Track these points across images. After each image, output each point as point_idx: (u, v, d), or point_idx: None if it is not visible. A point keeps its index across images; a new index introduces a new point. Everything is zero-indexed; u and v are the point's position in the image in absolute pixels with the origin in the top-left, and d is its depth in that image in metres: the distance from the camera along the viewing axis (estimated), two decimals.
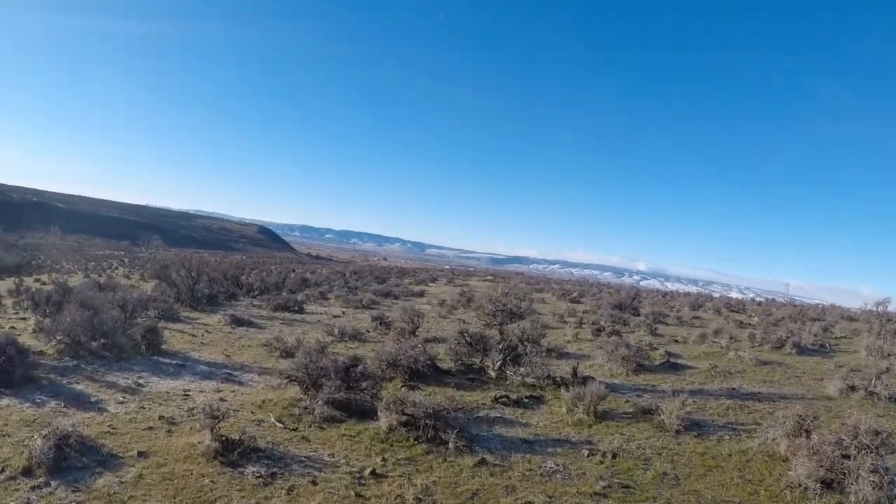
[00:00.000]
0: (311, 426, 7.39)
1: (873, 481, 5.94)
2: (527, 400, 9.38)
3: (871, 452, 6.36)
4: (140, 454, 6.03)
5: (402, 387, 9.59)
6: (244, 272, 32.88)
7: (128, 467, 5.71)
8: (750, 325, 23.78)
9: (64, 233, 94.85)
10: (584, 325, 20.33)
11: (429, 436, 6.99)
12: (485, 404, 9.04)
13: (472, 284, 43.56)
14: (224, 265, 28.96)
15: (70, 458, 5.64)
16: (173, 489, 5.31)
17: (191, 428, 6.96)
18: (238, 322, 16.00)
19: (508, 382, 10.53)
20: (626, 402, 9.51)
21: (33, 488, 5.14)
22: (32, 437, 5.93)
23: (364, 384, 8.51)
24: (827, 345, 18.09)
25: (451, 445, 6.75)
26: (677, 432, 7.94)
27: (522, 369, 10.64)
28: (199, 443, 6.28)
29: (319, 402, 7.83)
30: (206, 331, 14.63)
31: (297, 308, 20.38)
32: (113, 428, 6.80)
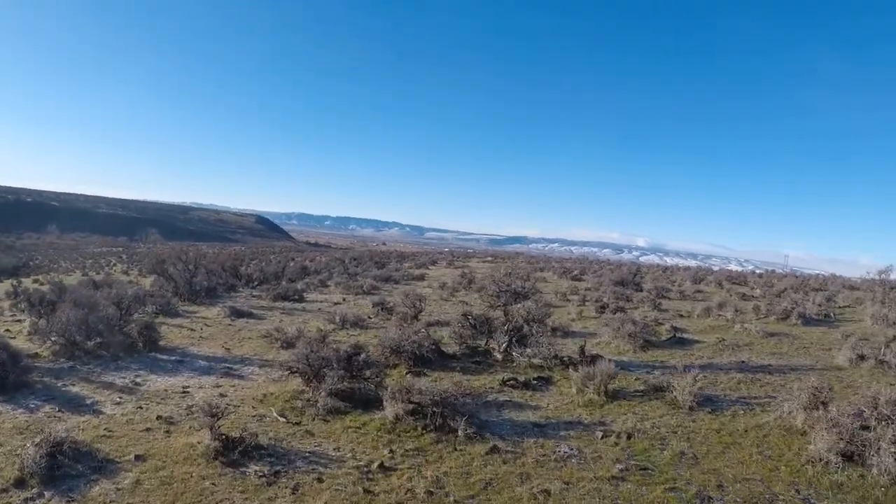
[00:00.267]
0: (314, 419, 7.18)
1: (895, 452, 5.79)
2: (535, 382, 9.18)
3: (892, 423, 6.20)
4: (137, 458, 5.80)
5: (406, 373, 9.37)
6: (243, 263, 32.58)
7: (125, 472, 5.48)
8: (753, 297, 23.60)
9: (61, 232, 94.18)
10: (587, 303, 20.10)
11: (437, 424, 6.78)
12: (492, 388, 8.84)
13: (473, 266, 43.29)
14: (222, 257, 28.65)
15: (64, 466, 5.39)
16: (172, 494, 5.08)
17: (190, 427, 6.75)
18: (237, 314, 15.75)
19: (515, 364, 10.33)
20: (637, 379, 9.32)
21: (26, 500, 4.91)
22: (25, 445, 5.68)
23: (368, 373, 8.26)
24: (832, 314, 17.92)
25: (460, 433, 6.55)
26: (691, 409, 7.76)
27: (529, 350, 10.42)
28: (199, 443, 6.07)
29: (322, 394, 7.61)
30: (205, 324, 14.38)
31: (297, 297, 20.15)
32: (109, 431, 6.58)
